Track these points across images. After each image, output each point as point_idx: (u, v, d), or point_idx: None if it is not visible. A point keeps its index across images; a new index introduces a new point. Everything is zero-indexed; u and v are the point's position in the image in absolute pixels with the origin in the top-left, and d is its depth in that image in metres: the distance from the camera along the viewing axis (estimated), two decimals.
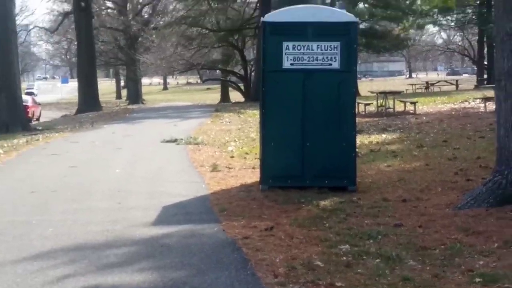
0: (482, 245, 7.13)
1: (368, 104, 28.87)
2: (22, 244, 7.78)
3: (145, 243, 7.80)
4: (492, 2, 13.96)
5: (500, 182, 8.76)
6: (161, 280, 6.34)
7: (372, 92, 33.81)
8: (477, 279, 6.02)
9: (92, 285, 6.21)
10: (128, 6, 57.39)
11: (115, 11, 57.91)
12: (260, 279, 6.22)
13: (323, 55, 10.45)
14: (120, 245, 7.71)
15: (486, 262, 6.57)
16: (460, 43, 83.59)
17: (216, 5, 47.98)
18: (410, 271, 6.33)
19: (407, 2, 41.41)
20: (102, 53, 59.46)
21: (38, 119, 38.99)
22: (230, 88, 56.95)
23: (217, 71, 60.19)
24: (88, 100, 44.41)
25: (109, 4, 58.85)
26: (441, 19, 58.01)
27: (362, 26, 39.89)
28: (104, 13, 57.48)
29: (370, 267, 6.50)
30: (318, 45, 10.43)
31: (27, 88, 75.26)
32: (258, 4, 46.57)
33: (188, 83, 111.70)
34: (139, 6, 59.28)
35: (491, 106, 21.99)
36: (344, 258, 6.80)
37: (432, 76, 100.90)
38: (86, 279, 6.40)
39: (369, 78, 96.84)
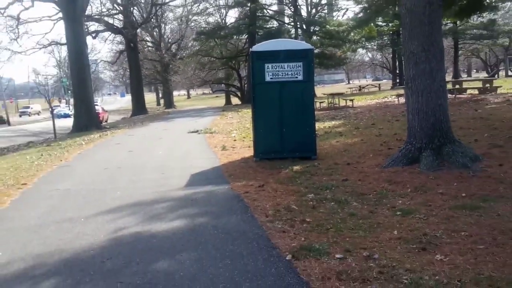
0: (400, 190, 7.20)
1: (322, 102, 28.81)
2: (100, 203, 7.80)
3: (180, 199, 7.82)
4: (401, 32, 13.95)
5: (410, 149, 8.81)
6: (192, 223, 6.39)
7: (324, 94, 33.68)
8: (398, 213, 6.09)
9: (146, 228, 6.25)
10: (162, 44, 57.08)
11: (153, 48, 57.58)
12: (256, 219, 6.29)
13: (292, 71, 10.41)
14: (164, 201, 7.72)
15: (403, 201, 6.64)
16: (380, 59, 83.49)
17: (219, 42, 47.72)
18: (354, 209, 6.39)
19: (345, 34, 41.16)
20: (146, 76, 59.12)
21: (106, 121, 38.90)
22: (231, 96, 56.75)
23: (222, 84, 59.89)
24: (138, 107, 44.34)
25: (149, 44, 58.44)
26: (367, 44, 57.93)
27: (316, 51, 39.73)
28: (146, 49, 57.14)
29: (328, 207, 6.55)
30: (288, 65, 10.39)
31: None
32: (247, 40, 46.39)
33: (204, 93, 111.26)
34: (169, 44, 58.94)
35: (402, 100, 22.01)
36: (311, 202, 6.85)
37: (363, 81, 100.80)
38: (143, 224, 6.46)
39: (322, 85, 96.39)
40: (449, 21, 39.31)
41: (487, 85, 26.23)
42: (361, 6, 34.13)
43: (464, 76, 72.91)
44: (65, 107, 68.57)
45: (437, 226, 5.45)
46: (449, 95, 19.54)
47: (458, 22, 44.39)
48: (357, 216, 6.05)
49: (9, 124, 47.04)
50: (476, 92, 25.50)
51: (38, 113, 75.10)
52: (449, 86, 24.12)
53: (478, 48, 61.20)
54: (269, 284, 4.30)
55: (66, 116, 25.40)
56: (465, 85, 28.40)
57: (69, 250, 5.58)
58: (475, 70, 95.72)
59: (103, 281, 4.61)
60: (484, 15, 38.66)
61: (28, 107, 77.14)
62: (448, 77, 46.39)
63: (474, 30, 51.58)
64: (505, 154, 9.03)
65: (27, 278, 4.85)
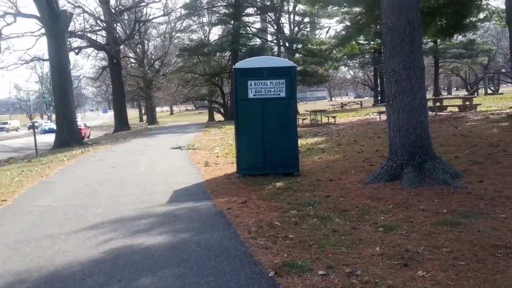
0: (382, 207, 7.21)
1: (305, 119, 28.91)
2: (82, 220, 7.72)
3: (162, 215, 7.77)
4: (382, 50, 14.26)
5: (391, 165, 8.86)
6: (174, 239, 6.34)
7: (306, 111, 33.92)
8: (380, 229, 6.10)
9: (128, 244, 6.20)
10: (145, 60, 57.10)
11: (136, 64, 57.53)
12: (239, 235, 6.27)
13: (274, 88, 10.46)
14: (146, 217, 7.66)
15: (385, 217, 6.65)
16: (362, 77, 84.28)
17: (203, 59, 47.88)
18: (336, 225, 6.39)
19: (327, 52, 41.46)
20: (129, 92, 58.86)
21: (88, 137, 38.56)
22: (214, 112, 56.80)
23: (205, 101, 59.98)
24: (121, 123, 44.11)
25: (132, 60, 58.38)
26: (349, 62, 58.61)
27: (298, 68, 39.93)
28: (129, 65, 57.00)
29: (311, 224, 6.55)
30: (271, 82, 10.44)
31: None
32: (230, 57, 46.57)
33: (187, 109, 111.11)
34: (152, 60, 58.94)
35: (384, 117, 22.18)
36: (293, 219, 6.85)
37: (345, 99, 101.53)
38: (125, 240, 6.39)
39: (304, 102, 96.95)
40: (429, 40, 39.89)
41: (467, 103, 26.56)
42: (343, 24, 34.60)
43: (444, 93, 73.92)
44: (47, 122, 67.90)
45: (419, 242, 5.47)
46: (430, 113, 19.80)
47: (438, 41, 45.12)
48: (340, 232, 6.05)
49: None
50: (456, 109, 25.84)
51: (17, 129, 74.31)
52: (430, 103, 24.38)
53: (458, 66, 62.10)
54: None
55: (51, 131, 25.22)
56: (445, 102, 28.74)
57: (50, 267, 5.49)
58: (455, 88, 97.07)
59: None
60: (464, 34, 39.37)
61: (5, 123, 76.15)
62: (429, 95, 46.84)
63: (454, 49, 52.56)
64: (484, 171, 9.13)
65: None
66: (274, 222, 6.70)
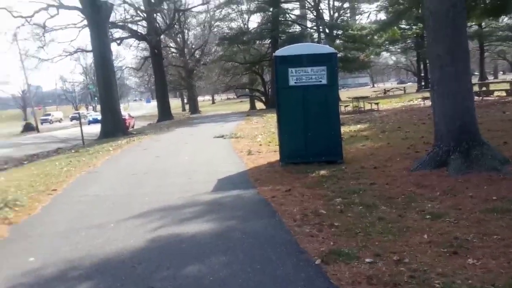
0: (428, 194, 7.11)
1: (347, 106, 28.72)
2: (129, 209, 7.88)
3: (207, 203, 7.85)
4: (425, 34, 13.84)
5: (438, 152, 8.72)
6: (220, 227, 6.41)
7: (348, 98, 33.56)
8: (427, 216, 6.03)
9: (175, 232, 6.30)
10: (185, 50, 57.42)
11: (177, 54, 57.96)
12: (284, 223, 6.29)
13: (315, 75, 10.38)
14: (192, 206, 7.76)
15: (432, 205, 6.56)
16: (405, 62, 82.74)
17: (242, 47, 47.89)
18: (382, 213, 6.34)
19: (368, 37, 40.95)
20: (171, 81, 59.51)
21: (133, 127, 38.99)
22: (255, 100, 56.86)
23: (246, 89, 60.10)
24: (164, 113, 44.63)
25: (173, 50, 58.84)
26: (391, 47, 57.60)
27: (339, 55, 39.36)
28: (170, 55, 57.52)
29: (356, 211, 6.51)
30: (311, 69, 10.37)
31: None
32: (270, 45, 46.46)
33: (228, 98, 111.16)
34: (192, 50, 59.22)
35: (428, 102, 21.81)
36: (338, 207, 6.81)
37: (387, 85, 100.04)
38: (171, 228, 6.51)
39: (346, 89, 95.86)
40: (474, 23, 38.80)
41: None
42: (383, 10, 34.03)
43: (490, 78, 71.91)
44: (90, 113, 69.30)
45: (468, 230, 5.37)
46: (476, 97, 19.30)
47: (483, 24, 43.86)
48: (386, 220, 6.00)
49: (38, 131, 47.74)
50: (504, 94, 25.12)
51: (60, 120, 75.97)
52: (476, 88, 23.80)
53: (504, 49, 60.43)
54: None
55: (96, 121, 25.54)
56: (492, 87, 28.01)
57: (100, 255, 5.64)
58: (501, 72, 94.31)
59: (134, 286, 4.65)
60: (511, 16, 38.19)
61: (49, 115, 78.03)
62: (475, 80, 45.71)
63: (500, 32, 51.02)
64: None
65: (60, 283, 4.92)
66: (319, 210, 6.68)
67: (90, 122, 52.61)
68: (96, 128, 31.23)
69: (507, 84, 27.96)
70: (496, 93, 25.53)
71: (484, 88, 25.97)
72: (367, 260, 4.74)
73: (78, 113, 53.50)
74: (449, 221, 5.75)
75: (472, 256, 4.64)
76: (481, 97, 23.22)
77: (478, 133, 8.73)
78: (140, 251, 5.66)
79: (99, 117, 33.42)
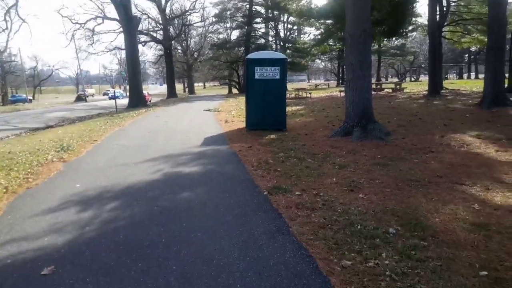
0: (338, 152, 7.18)
1: (290, 94, 28.47)
2: (145, 154, 7.73)
3: (197, 153, 7.75)
4: (344, 49, 13.66)
5: (346, 126, 8.78)
6: (204, 169, 6.33)
7: (292, 89, 33.31)
8: (336, 167, 6.08)
9: (175, 171, 6.22)
10: (187, 51, 56.00)
11: (182, 54, 56.43)
12: (246, 168, 6.26)
13: (272, 72, 10.22)
14: (187, 154, 7.66)
15: (340, 159, 6.63)
16: (330, 67, 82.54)
17: (226, 51, 46.78)
18: (308, 163, 6.37)
19: (308, 49, 40.66)
20: (177, 72, 57.84)
21: (150, 101, 37.76)
22: (232, 87, 56.05)
23: (226, 80, 58.99)
24: (171, 93, 43.47)
25: (179, 51, 57.14)
26: (322, 57, 57.20)
27: (288, 60, 39.06)
28: (177, 55, 55.85)
29: (292, 162, 6.54)
30: (270, 68, 10.20)
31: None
32: (244, 50, 45.58)
33: (214, 85, 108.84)
34: (192, 51, 57.68)
35: (343, 94, 21.78)
36: (281, 159, 6.82)
37: (318, 81, 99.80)
38: (172, 168, 6.40)
39: (291, 83, 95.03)
40: (375, 43, 38.76)
41: (397, 86, 26.15)
42: (319, 31, 33.76)
43: (383, 79, 72.54)
44: (118, 91, 66.55)
45: (361, 176, 5.48)
46: (373, 92, 19.43)
47: (381, 44, 44.02)
48: (310, 168, 6.05)
49: (86, 101, 46.31)
50: (390, 90, 25.42)
51: (92, 95, 72.39)
52: (373, 86, 23.97)
53: (393, 61, 60.96)
54: (253, 208, 4.32)
55: (115, 97, 24.65)
56: (383, 86, 28.26)
57: (124, 184, 5.55)
58: (390, 76, 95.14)
59: (146, 205, 4.60)
60: (398, 40, 38.48)
61: (84, 91, 74.65)
62: (373, 80, 45.97)
63: (391, 50, 51.69)
64: (406, 132, 9.08)
65: (97, 201, 4.82)
66: (268, 160, 6.69)
67: (110, 98, 50.23)
68: (124, 101, 30.35)
69: (393, 84, 28.30)
70: (386, 90, 25.79)
71: (378, 86, 26.14)
72: (297, 193, 4.79)
73: (109, 91, 51.33)
74: (350, 170, 5.85)
75: (362, 192, 4.75)
76: (376, 92, 23.43)
77: (372, 115, 8.83)
78: (150, 182, 5.58)
79: (117, 94, 32.27)
